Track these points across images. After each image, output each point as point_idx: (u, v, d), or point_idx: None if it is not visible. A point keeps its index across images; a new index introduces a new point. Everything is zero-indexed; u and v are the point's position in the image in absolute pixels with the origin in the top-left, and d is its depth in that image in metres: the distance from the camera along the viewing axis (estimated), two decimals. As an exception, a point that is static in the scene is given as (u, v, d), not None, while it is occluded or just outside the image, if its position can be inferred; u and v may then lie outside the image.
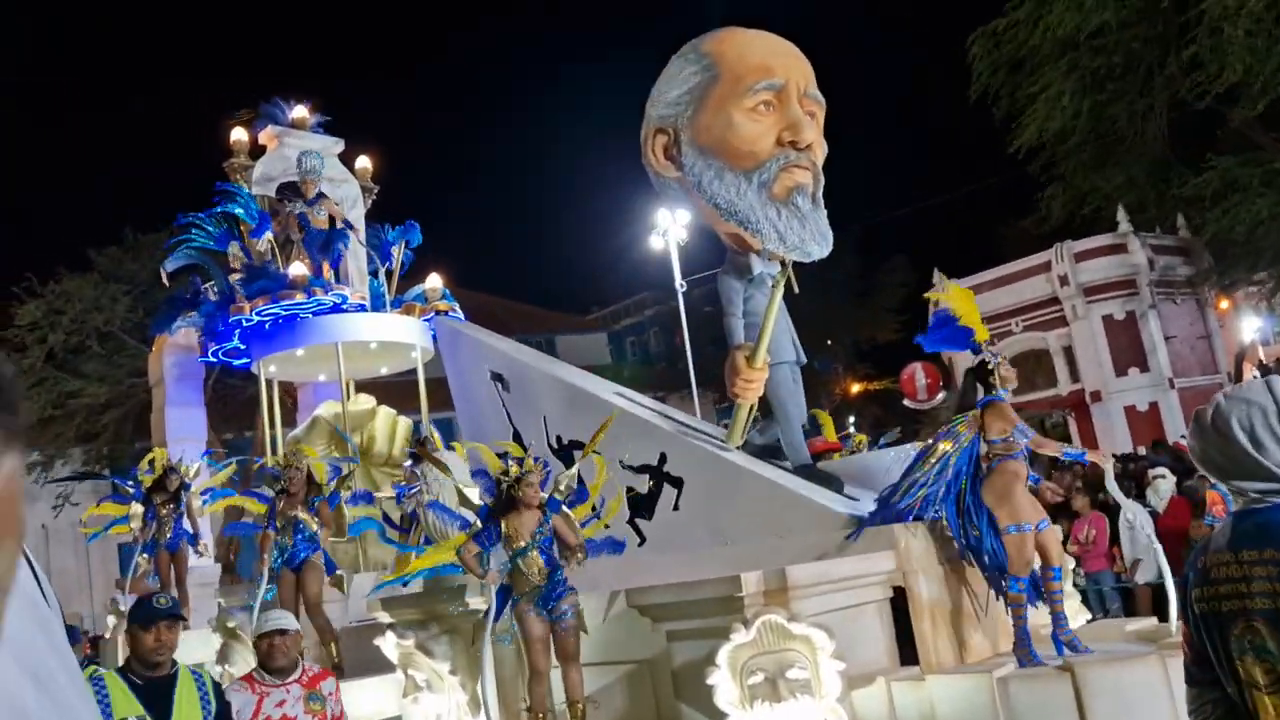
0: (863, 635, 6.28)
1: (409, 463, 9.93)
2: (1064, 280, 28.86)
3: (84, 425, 27.63)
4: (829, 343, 36.50)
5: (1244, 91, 23.23)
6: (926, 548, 6.51)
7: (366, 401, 10.84)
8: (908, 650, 6.49)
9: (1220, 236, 25.09)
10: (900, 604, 6.51)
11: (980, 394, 6.51)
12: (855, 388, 36.99)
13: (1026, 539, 6.25)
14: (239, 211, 10.66)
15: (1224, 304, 29.09)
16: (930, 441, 6.73)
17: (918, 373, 31.93)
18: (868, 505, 6.97)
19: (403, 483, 9.84)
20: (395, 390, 12.17)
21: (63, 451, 28.77)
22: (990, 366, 6.51)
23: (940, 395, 31.75)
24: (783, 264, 7.39)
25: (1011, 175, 31.16)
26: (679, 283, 29.34)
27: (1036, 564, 6.30)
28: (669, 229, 29.37)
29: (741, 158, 7.44)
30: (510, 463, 6.66)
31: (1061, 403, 29.86)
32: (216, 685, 4.49)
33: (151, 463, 10.08)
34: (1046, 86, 26.75)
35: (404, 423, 11.02)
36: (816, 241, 7.36)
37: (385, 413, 10.80)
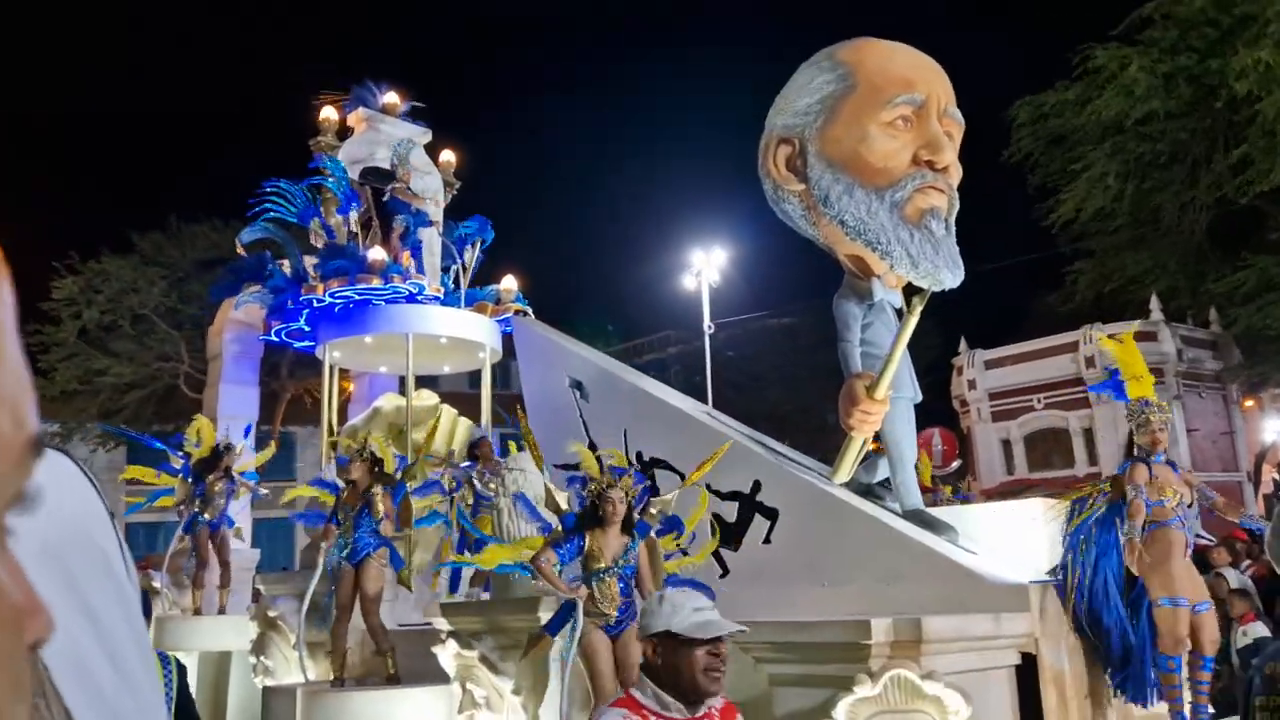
0: (988, 703, 5.51)
1: (467, 462, 9.20)
2: (1090, 362, 28.16)
3: (106, 403, 27.20)
4: (848, 401, 35.69)
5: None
6: (1059, 612, 5.78)
7: (429, 398, 10.15)
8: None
9: (1252, 333, 24.49)
10: (1022, 672, 5.79)
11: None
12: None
13: (1179, 615, 5.53)
14: (330, 184, 9.99)
15: (1249, 402, 28.38)
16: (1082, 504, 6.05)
17: (934, 438, 31.09)
18: (989, 558, 6.24)
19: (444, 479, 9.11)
20: (449, 402, 11.44)
21: (82, 426, 28.28)
22: (1130, 424, 5.87)
23: (955, 463, 31.00)
24: (915, 290, 6.70)
25: (1043, 251, 30.64)
26: (707, 324, 28.71)
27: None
28: (703, 270, 28.82)
29: (874, 174, 6.72)
30: (616, 474, 5.97)
31: (1077, 484, 29.06)
32: None
33: (199, 434, 9.30)
34: (1089, 166, 26.28)
35: (465, 423, 10.34)
36: (949, 269, 6.62)
37: (447, 412, 10.08)
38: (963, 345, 30.88)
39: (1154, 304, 27.69)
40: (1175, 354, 27.29)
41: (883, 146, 6.70)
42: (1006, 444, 30.20)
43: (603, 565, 5.83)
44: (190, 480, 9.14)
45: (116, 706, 0.77)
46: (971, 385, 30.44)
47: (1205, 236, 26.76)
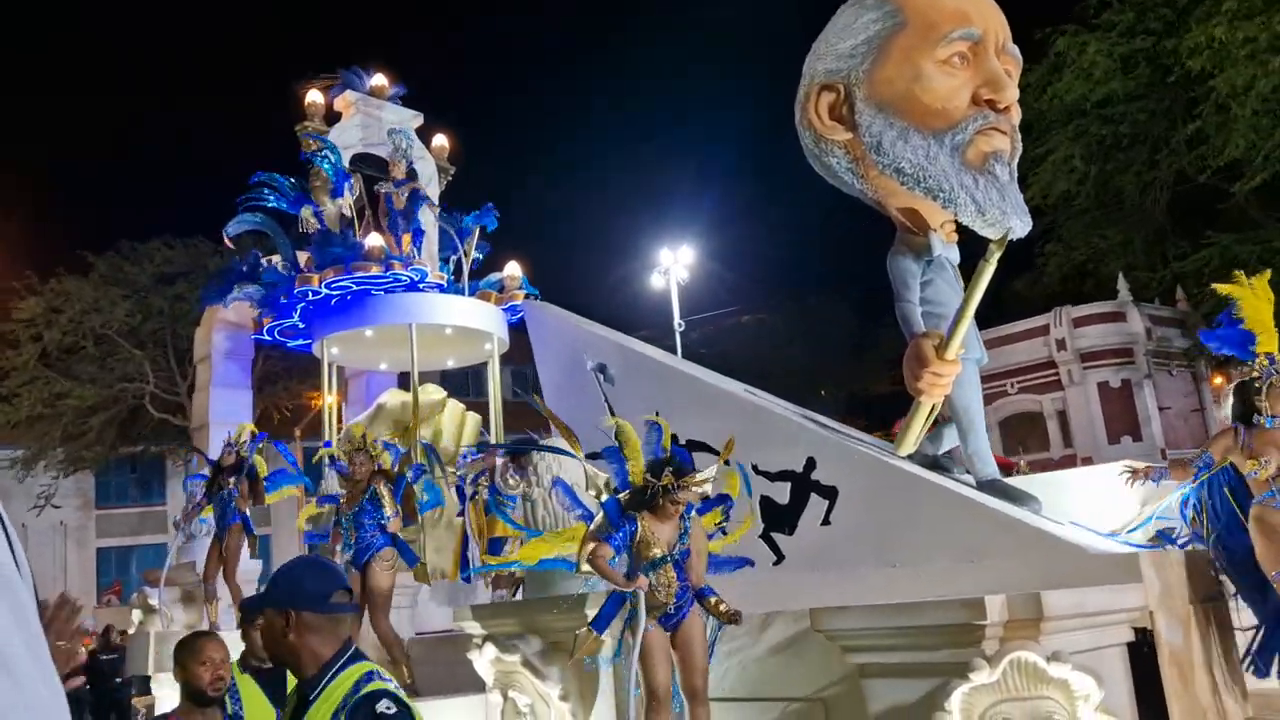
0: (1105, 685, 4.85)
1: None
2: (1061, 345, 27.89)
3: (70, 426, 26.03)
4: (822, 393, 35.19)
5: (1244, 168, 22.54)
6: (1176, 583, 5.12)
7: (435, 392, 9.34)
8: (1140, 707, 5.09)
9: (1218, 311, 24.22)
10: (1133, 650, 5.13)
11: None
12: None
13: None
14: (324, 165, 9.13)
15: (1218, 380, 28.20)
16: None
17: (910, 427, 30.61)
18: (1081, 529, 5.60)
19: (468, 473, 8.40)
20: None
21: (45, 451, 27.07)
22: (1258, 385, 5.23)
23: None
24: (989, 241, 6.04)
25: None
26: (677, 321, 28.03)
27: None
28: (670, 267, 28.16)
29: (931, 116, 6.01)
30: (683, 468, 5.27)
31: (1053, 466, 28.77)
32: None
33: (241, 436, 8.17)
34: (1052, 150, 26.01)
35: (473, 418, 9.55)
36: (1018, 215, 5.93)
37: (454, 406, 9.29)
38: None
39: (1121, 284, 27.46)
40: (1144, 333, 27.07)
41: (940, 85, 6.01)
42: (981, 429, 29.82)
43: (659, 552, 5.15)
44: (205, 486, 8.18)
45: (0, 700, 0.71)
46: (944, 372, 30.01)
47: (1167, 216, 26.55)
